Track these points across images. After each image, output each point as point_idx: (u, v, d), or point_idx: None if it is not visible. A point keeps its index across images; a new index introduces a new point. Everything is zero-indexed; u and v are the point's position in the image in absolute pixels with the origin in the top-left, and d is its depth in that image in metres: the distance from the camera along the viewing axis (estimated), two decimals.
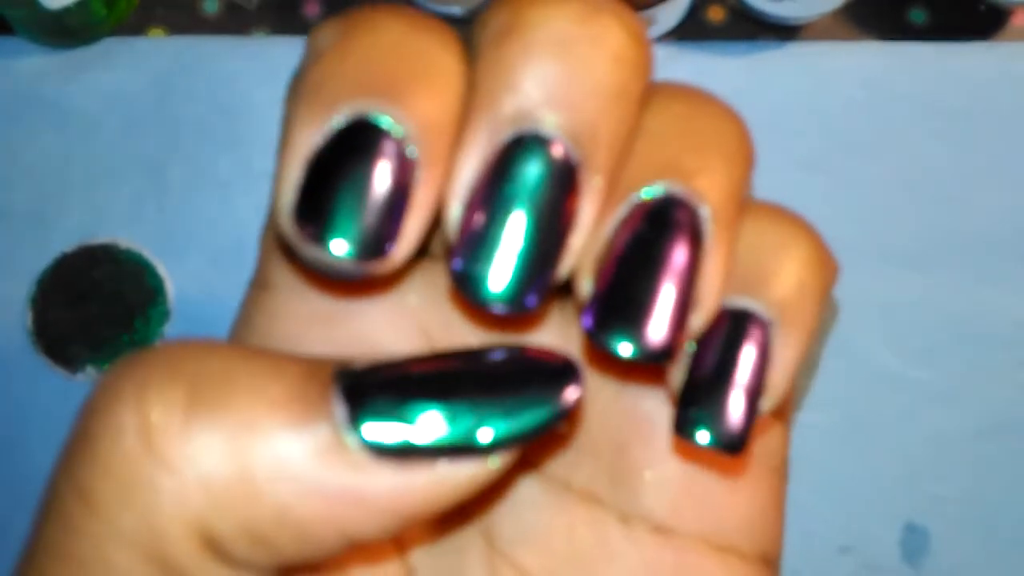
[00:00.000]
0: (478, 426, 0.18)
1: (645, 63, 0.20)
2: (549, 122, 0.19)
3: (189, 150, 0.51)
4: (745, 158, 0.21)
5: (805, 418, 0.49)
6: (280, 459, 0.17)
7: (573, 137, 0.19)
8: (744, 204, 0.21)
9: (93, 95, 0.51)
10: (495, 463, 0.18)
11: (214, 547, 0.18)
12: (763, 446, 0.23)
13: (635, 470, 0.22)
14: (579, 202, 0.20)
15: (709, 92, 0.22)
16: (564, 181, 0.19)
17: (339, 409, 0.18)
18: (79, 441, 0.18)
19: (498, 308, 0.19)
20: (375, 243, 0.19)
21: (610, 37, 0.20)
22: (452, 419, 0.18)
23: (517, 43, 0.19)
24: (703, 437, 0.20)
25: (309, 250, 0.19)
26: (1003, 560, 0.48)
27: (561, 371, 0.19)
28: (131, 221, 0.50)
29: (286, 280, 0.22)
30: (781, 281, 0.21)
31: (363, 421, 0.18)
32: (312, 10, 0.52)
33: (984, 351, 0.50)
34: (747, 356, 0.20)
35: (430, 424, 0.18)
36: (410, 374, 0.18)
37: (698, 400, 0.20)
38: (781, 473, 0.24)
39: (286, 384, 0.18)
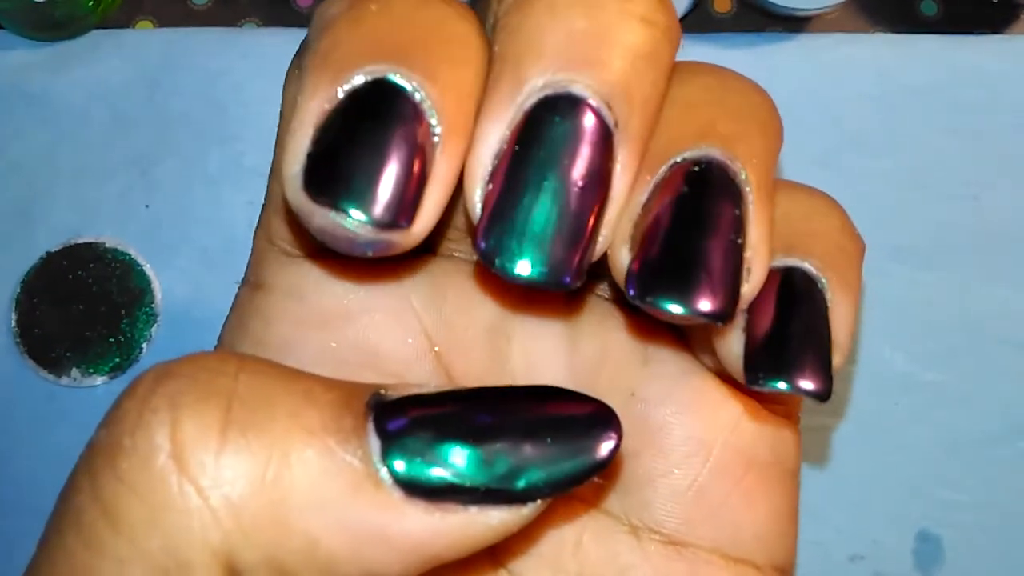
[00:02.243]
0: (514, 473, 0.17)
1: (674, 29, 0.19)
2: (580, 82, 0.18)
3: (178, 146, 0.50)
4: (776, 131, 0.21)
5: (814, 422, 0.48)
6: (313, 489, 0.17)
7: (607, 98, 0.18)
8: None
9: (80, 89, 0.50)
10: (528, 510, 0.17)
11: None
12: (776, 452, 0.22)
13: (646, 481, 0.22)
14: (614, 167, 0.19)
15: (734, 71, 0.21)
16: (598, 145, 0.18)
17: (374, 442, 0.17)
18: (105, 453, 0.17)
19: (534, 283, 0.18)
20: (394, 209, 0.17)
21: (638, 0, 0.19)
22: (488, 464, 0.17)
23: (540, 4, 0.18)
24: (783, 385, 0.19)
25: (322, 217, 0.17)
26: (1020, 571, 0.47)
27: (599, 420, 0.18)
28: (118, 219, 0.49)
29: (281, 280, 0.22)
30: (823, 241, 0.20)
31: (397, 457, 0.17)
32: (305, 1, 0.51)
33: (999, 352, 0.49)
34: (810, 310, 0.20)
35: (465, 466, 0.17)
36: (447, 413, 0.17)
37: (771, 351, 0.20)
38: (794, 480, 0.23)
39: (322, 412, 0.17)
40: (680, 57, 0.20)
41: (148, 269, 0.48)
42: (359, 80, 0.18)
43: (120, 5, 0.51)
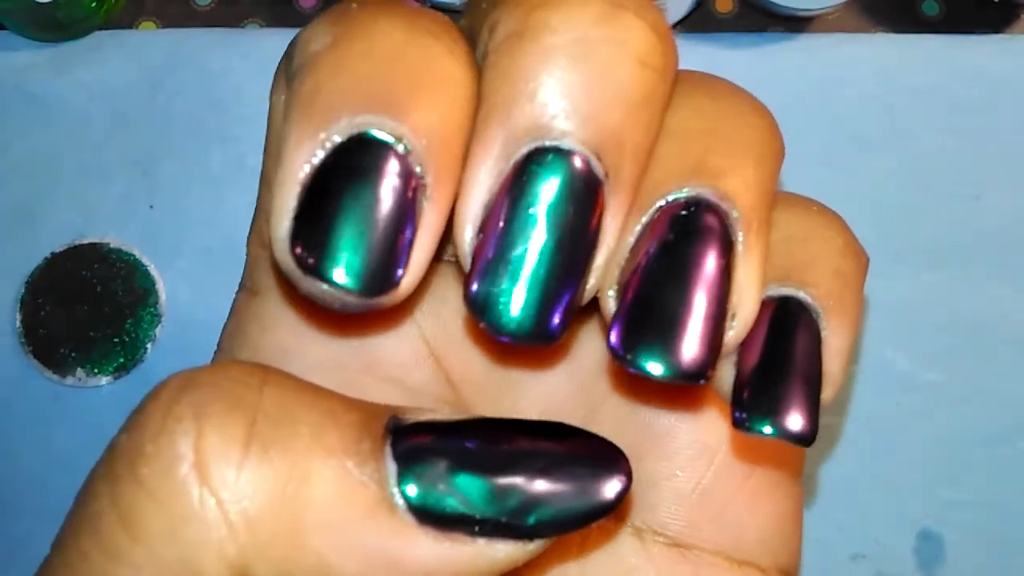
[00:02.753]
0: (525, 509, 0.17)
1: (671, 64, 0.19)
2: (570, 134, 0.18)
3: (181, 146, 0.50)
4: (774, 152, 0.20)
5: None
6: (330, 510, 0.17)
7: (596, 149, 0.18)
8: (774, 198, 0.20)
9: (83, 90, 0.50)
10: (534, 546, 0.18)
11: None
12: (780, 455, 0.22)
13: (651, 484, 0.22)
14: (604, 218, 0.18)
15: (732, 83, 0.21)
16: (587, 197, 0.18)
17: (390, 466, 0.17)
18: (126, 458, 0.17)
19: (520, 339, 0.18)
20: (381, 274, 0.17)
21: (634, 39, 0.18)
22: (500, 498, 0.17)
23: (532, 47, 0.18)
24: (769, 429, 0.19)
25: (309, 284, 0.17)
26: (1021, 569, 0.47)
27: (611, 463, 0.18)
28: (121, 219, 0.49)
29: (276, 286, 0.21)
30: (821, 269, 0.20)
31: (412, 483, 0.17)
32: (308, 2, 0.51)
33: (1000, 352, 0.48)
34: (802, 342, 0.20)
35: (478, 498, 0.17)
36: (463, 443, 0.17)
37: (758, 391, 0.19)
38: (798, 483, 0.23)
39: (342, 432, 0.17)
40: (682, 57, 0.20)
41: (152, 269, 0.49)
42: (340, 133, 0.17)
43: (123, 6, 0.51)
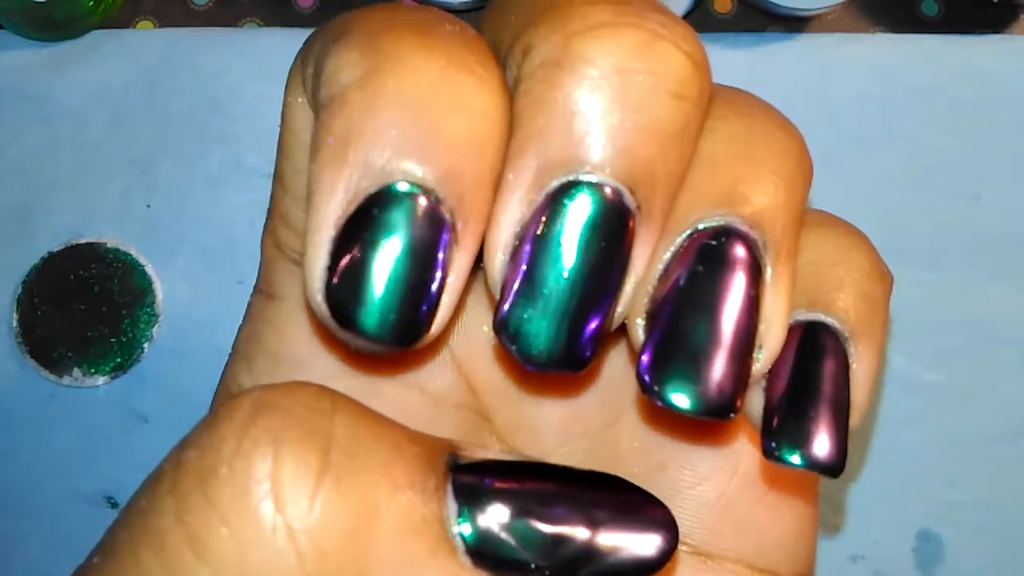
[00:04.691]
0: (578, 561, 0.17)
1: (706, 92, 0.19)
2: (603, 168, 0.18)
3: (178, 146, 0.50)
4: (804, 174, 0.20)
5: None
6: (396, 547, 0.17)
7: (629, 183, 0.18)
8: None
9: (80, 89, 0.50)
10: None
11: None
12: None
13: (675, 493, 0.22)
14: (634, 248, 0.18)
15: (764, 102, 0.21)
16: (618, 229, 0.18)
17: (451, 505, 0.17)
18: (196, 477, 0.17)
19: (550, 367, 0.18)
20: (412, 323, 0.18)
21: (671, 71, 0.18)
22: (555, 547, 0.17)
23: (568, 78, 0.18)
24: (797, 460, 0.19)
25: (343, 335, 0.18)
26: (1021, 570, 0.47)
27: (659, 523, 0.18)
28: (119, 219, 0.49)
29: (292, 290, 0.21)
30: (848, 294, 0.20)
31: (471, 524, 0.17)
32: (306, 1, 0.51)
33: (999, 352, 0.48)
34: (829, 370, 0.20)
35: (534, 546, 0.17)
36: (523, 490, 0.18)
37: (786, 422, 0.19)
38: (815, 490, 0.23)
39: (408, 466, 0.17)
40: None
41: (149, 269, 0.48)
42: (373, 187, 0.17)
43: (120, 5, 0.51)
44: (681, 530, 0.22)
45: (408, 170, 0.17)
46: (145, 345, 0.48)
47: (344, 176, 0.17)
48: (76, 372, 0.47)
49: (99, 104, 0.50)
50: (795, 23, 0.51)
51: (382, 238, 0.17)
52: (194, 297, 0.49)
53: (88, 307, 0.48)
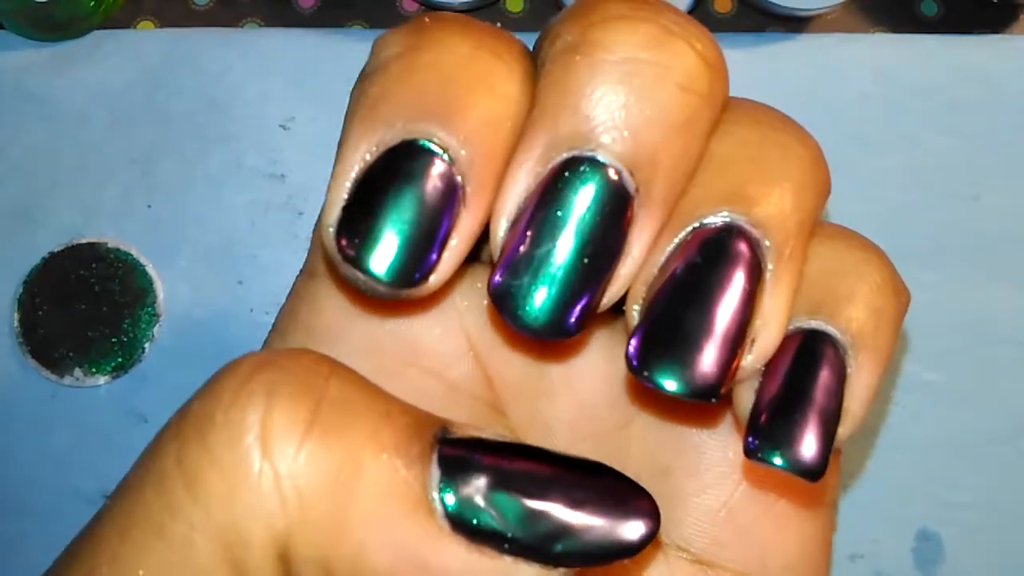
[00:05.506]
0: (554, 536, 0.18)
1: (719, 91, 0.20)
2: (606, 147, 0.19)
3: (179, 146, 0.50)
4: (817, 185, 0.21)
5: None
6: (375, 503, 0.18)
7: (630, 165, 0.19)
8: (815, 229, 0.21)
9: (81, 89, 0.50)
10: (557, 574, 0.18)
11: (285, 567, 0.18)
12: (803, 485, 0.22)
13: (679, 499, 0.22)
14: (631, 231, 0.19)
15: (782, 114, 0.21)
16: (615, 208, 0.19)
17: (434, 472, 0.18)
18: (196, 423, 0.18)
19: (535, 332, 0.19)
20: (411, 270, 0.19)
21: (680, 65, 0.19)
22: (533, 521, 0.18)
23: (582, 62, 0.19)
24: (779, 460, 0.19)
25: (347, 269, 0.19)
26: (1021, 570, 0.47)
27: (641, 508, 0.19)
28: (120, 219, 0.49)
29: (326, 269, 0.22)
30: (855, 305, 0.20)
31: (452, 491, 0.18)
32: (307, 2, 0.51)
33: (1000, 352, 0.48)
34: (823, 377, 0.20)
35: (512, 518, 0.18)
36: (506, 464, 0.18)
37: (772, 421, 0.20)
38: (830, 513, 0.23)
39: (396, 433, 0.18)
40: None
41: (150, 269, 0.48)
42: (393, 141, 0.19)
43: (121, 6, 0.51)
44: (683, 537, 0.22)
45: (429, 131, 0.19)
46: (146, 345, 0.48)
47: (371, 129, 0.19)
48: (77, 372, 0.48)
49: (100, 104, 0.50)
50: (795, 23, 0.51)
51: (395, 185, 0.19)
52: (195, 297, 0.49)
53: (89, 307, 0.48)
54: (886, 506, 0.47)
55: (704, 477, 0.22)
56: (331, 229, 0.19)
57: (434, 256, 0.19)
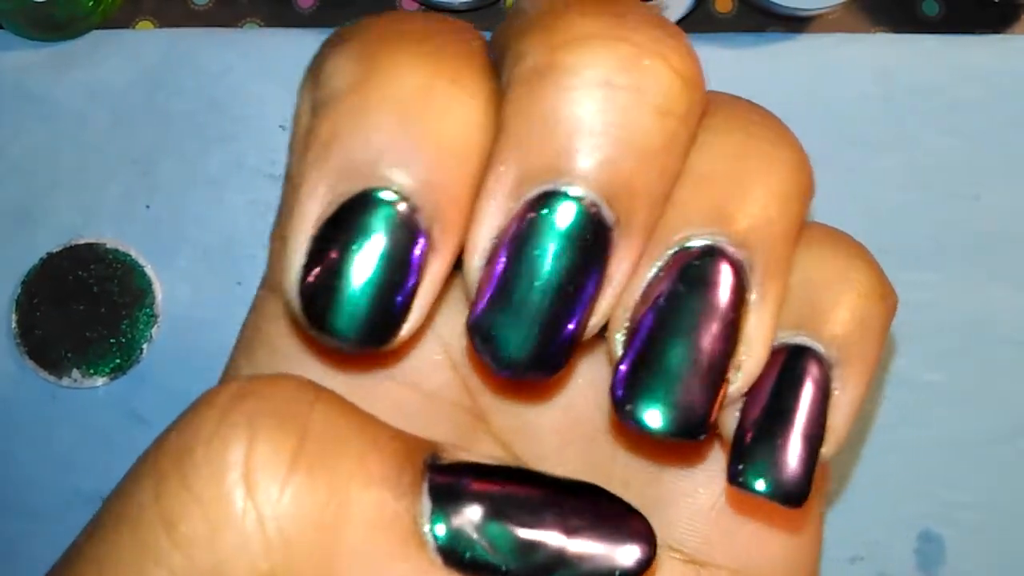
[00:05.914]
0: (549, 566, 0.17)
1: (696, 107, 0.19)
2: (581, 179, 0.18)
3: (179, 146, 0.50)
4: (801, 190, 0.20)
5: None
6: (364, 539, 0.17)
7: (607, 196, 0.18)
8: (800, 234, 0.20)
9: (80, 89, 0.50)
10: None
11: None
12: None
13: (670, 500, 0.22)
14: (611, 262, 0.18)
15: (763, 111, 0.20)
16: (594, 242, 0.18)
17: (426, 503, 0.17)
18: (175, 458, 0.17)
19: (517, 375, 0.18)
20: (382, 327, 0.18)
21: (655, 87, 0.18)
22: (527, 552, 0.17)
23: (551, 88, 0.18)
24: (761, 486, 0.19)
25: (314, 332, 0.18)
26: (1022, 570, 0.47)
27: (637, 532, 0.18)
28: (118, 219, 0.49)
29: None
30: (840, 317, 0.19)
31: (444, 523, 0.17)
32: (306, 2, 0.51)
33: (1000, 352, 0.48)
34: (806, 398, 0.19)
35: (505, 549, 0.17)
36: (498, 493, 0.18)
37: (754, 447, 0.19)
38: (817, 511, 0.23)
39: (384, 462, 0.17)
40: None
41: (149, 270, 0.48)
42: (351, 191, 0.18)
43: (121, 6, 0.51)
44: (675, 537, 0.22)
45: (388, 176, 0.17)
46: (144, 346, 0.48)
47: (325, 177, 0.18)
48: (75, 373, 0.47)
49: (99, 104, 0.50)
50: (795, 23, 0.51)
51: (357, 241, 0.18)
52: (194, 298, 0.49)
53: (87, 308, 0.48)
54: (887, 507, 0.47)
55: (694, 477, 0.22)
56: (294, 292, 0.18)
57: (403, 308, 0.18)
